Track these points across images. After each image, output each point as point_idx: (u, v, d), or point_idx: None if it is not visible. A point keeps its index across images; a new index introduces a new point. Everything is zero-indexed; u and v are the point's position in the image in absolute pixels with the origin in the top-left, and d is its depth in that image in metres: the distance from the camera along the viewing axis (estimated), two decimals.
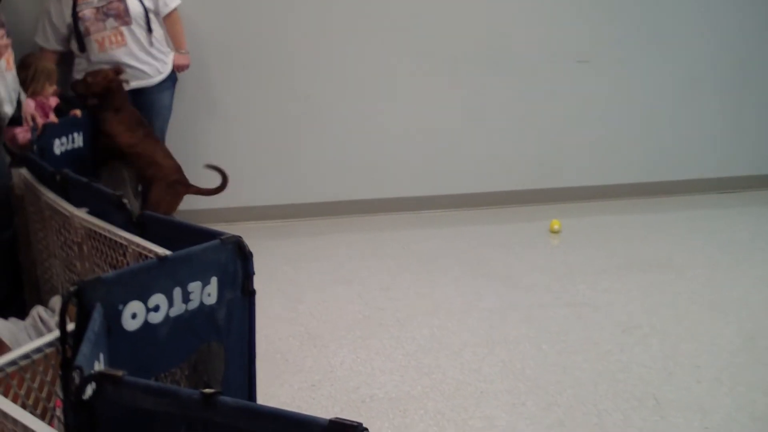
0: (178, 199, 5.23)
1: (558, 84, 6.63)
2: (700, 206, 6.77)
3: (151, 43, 5.41)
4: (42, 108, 4.81)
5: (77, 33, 5.30)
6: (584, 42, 6.61)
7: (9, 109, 4.16)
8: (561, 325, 4.50)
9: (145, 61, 5.41)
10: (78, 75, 5.43)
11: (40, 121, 4.57)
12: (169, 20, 5.58)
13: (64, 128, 4.74)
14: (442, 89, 6.43)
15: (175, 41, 5.64)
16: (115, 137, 5.03)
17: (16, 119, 4.35)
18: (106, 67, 5.20)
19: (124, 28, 5.30)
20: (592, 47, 6.63)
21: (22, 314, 3.55)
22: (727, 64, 6.91)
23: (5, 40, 3.94)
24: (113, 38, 5.30)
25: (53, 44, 5.45)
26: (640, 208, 6.71)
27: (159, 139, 5.31)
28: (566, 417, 3.58)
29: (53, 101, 4.95)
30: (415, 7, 6.25)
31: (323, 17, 6.14)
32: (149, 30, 5.39)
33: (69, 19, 5.28)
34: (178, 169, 5.25)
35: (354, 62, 6.26)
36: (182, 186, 5.24)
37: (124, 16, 5.29)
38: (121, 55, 5.32)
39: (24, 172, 4.14)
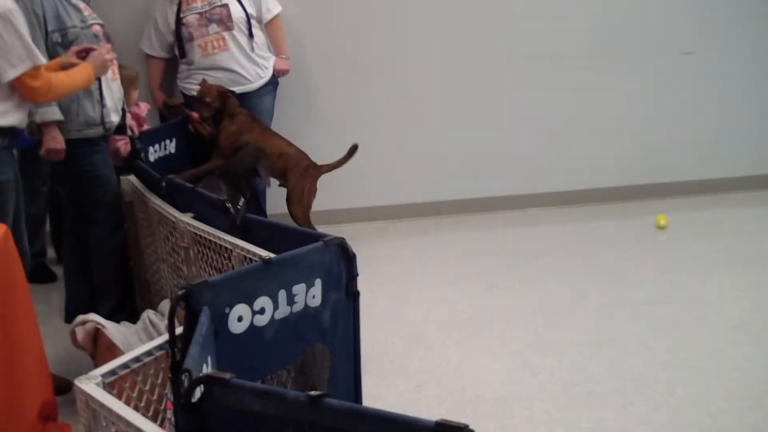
0: (315, 182, 5.31)
1: (662, 77, 6.50)
2: None
3: (252, 48, 5.49)
4: (136, 118, 4.93)
5: (179, 38, 5.42)
6: (688, 33, 6.48)
7: (115, 118, 4.28)
8: (669, 322, 4.41)
9: (246, 66, 5.49)
10: (182, 82, 5.55)
11: (136, 131, 4.69)
12: (270, 26, 5.65)
13: (157, 136, 4.85)
14: (544, 86, 6.36)
15: (275, 46, 5.71)
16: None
17: (122, 128, 4.47)
18: (210, 81, 5.31)
19: (226, 34, 5.40)
20: (696, 39, 6.49)
21: (133, 318, 3.64)
22: None
23: (112, 54, 4.05)
24: (216, 43, 5.39)
25: (158, 51, 5.59)
26: (750, 201, 6.53)
27: (276, 132, 5.38)
28: (677, 417, 3.49)
29: (144, 108, 5.05)
30: (516, 5, 6.20)
31: (423, 16, 6.14)
32: (250, 35, 5.47)
33: (173, 26, 5.40)
34: (305, 155, 5.33)
35: (454, 60, 6.24)
36: (314, 169, 5.32)
37: (226, 22, 5.38)
38: (223, 60, 5.42)
39: (132, 179, 4.25)
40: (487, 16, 6.19)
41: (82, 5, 4.18)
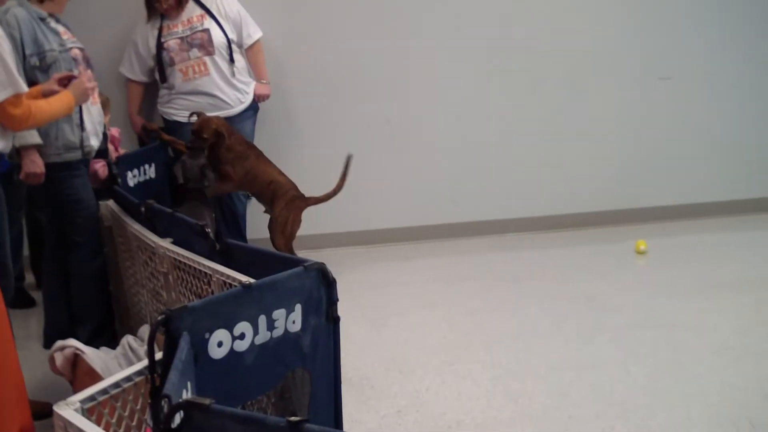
0: (299, 214, 5.35)
1: (640, 102, 6.55)
2: None
3: (233, 74, 5.51)
4: (112, 141, 4.92)
5: (160, 63, 5.43)
6: (666, 59, 6.53)
7: (95, 142, 4.28)
8: (649, 347, 4.42)
9: (227, 91, 5.51)
10: (162, 107, 5.55)
11: (113, 154, 4.68)
12: (251, 51, 5.67)
13: (136, 160, 4.84)
14: (523, 111, 6.41)
15: (256, 71, 5.73)
16: (233, 168, 5.14)
17: (103, 151, 4.46)
18: (190, 106, 5.34)
19: (207, 58, 5.41)
20: (674, 64, 6.55)
21: (113, 343, 3.62)
22: None
23: (93, 82, 4.06)
24: (197, 68, 5.40)
25: (139, 75, 5.59)
26: (729, 226, 6.57)
27: (269, 160, 5.39)
28: None
29: (116, 131, 5.04)
30: (496, 31, 6.25)
31: (402, 42, 6.17)
32: (231, 60, 5.48)
33: (155, 50, 5.41)
34: (294, 186, 5.35)
35: (434, 85, 6.27)
36: (301, 200, 5.35)
37: (207, 47, 5.40)
38: (204, 85, 5.43)
39: (111, 203, 4.24)
40: (466, 43, 6.24)
41: (61, 29, 4.18)
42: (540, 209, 6.59)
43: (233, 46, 5.51)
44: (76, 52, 4.22)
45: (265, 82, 5.75)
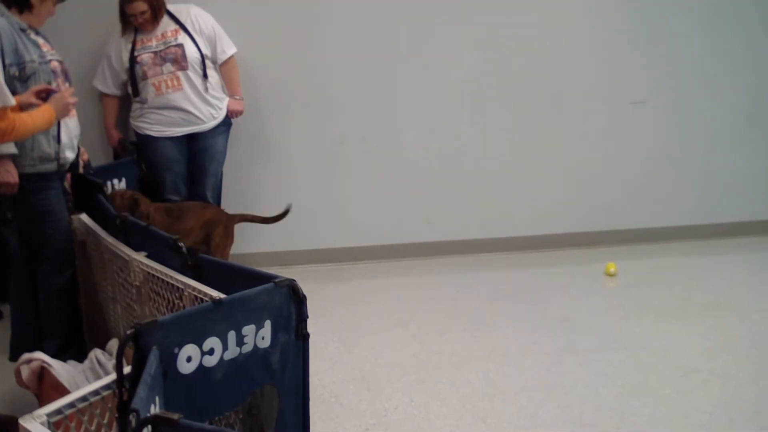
0: (233, 232, 5.19)
1: (612, 126, 6.61)
2: (759, 249, 6.68)
3: (206, 89, 5.50)
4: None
5: (133, 77, 5.42)
6: (638, 83, 6.59)
7: (71, 155, 4.26)
8: (618, 369, 4.44)
9: (200, 106, 5.50)
10: (135, 121, 5.54)
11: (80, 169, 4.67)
12: (225, 67, 5.67)
13: (107, 174, 4.82)
14: (496, 132, 6.44)
15: (230, 87, 5.72)
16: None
17: (76, 165, 4.45)
18: (163, 120, 5.36)
19: (180, 73, 5.41)
20: (646, 89, 6.61)
21: (80, 357, 3.60)
22: None
23: (74, 98, 4.05)
24: (170, 82, 5.40)
25: (112, 89, 5.58)
26: (698, 250, 6.63)
27: (186, 207, 5.19)
28: None
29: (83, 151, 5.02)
30: (472, 54, 6.28)
31: (377, 60, 6.19)
32: (205, 76, 5.48)
33: (128, 63, 5.40)
34: (220, 209, 5.29)
35: (410, 105, 6.29)
36: (230, 220, 5.19)
37: (181, 61, 5.39)
38: (177, 99, 5.42)
39: (84, 217, 4.22)
40: (442, 64, 6.26)
41: (41, 41, 4.17)
42: (512, 230, 6.62)
43: (207, 62, 5.50)
44: (55, 64, 4.21)
45: (238, 98, 5.75)
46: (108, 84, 5.59)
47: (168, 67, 5.39)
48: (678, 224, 6.86)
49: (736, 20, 6.65)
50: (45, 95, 3.92)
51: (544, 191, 6.61)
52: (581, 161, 6.63)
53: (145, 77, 5.40)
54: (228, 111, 5.67)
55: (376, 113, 6.26)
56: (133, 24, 5.39)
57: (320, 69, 6.12)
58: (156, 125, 5.47)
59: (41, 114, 3.79)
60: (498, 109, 6.41)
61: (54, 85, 4.06)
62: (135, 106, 5.55)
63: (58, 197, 4.20)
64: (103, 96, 5.65)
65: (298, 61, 6.08)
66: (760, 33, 6.70)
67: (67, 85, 4.21)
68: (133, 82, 5.46)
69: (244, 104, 5.79)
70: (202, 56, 5.46)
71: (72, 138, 4.27)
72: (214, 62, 5.60)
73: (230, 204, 5.76)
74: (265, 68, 6.03)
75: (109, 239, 3.73)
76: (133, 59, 5.41)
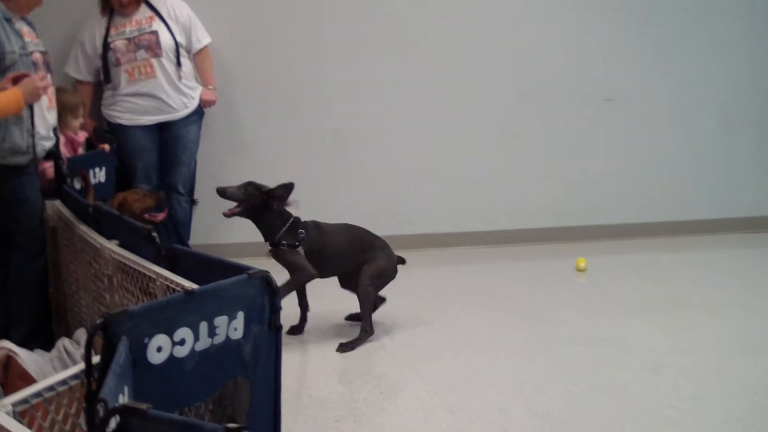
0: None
1: (586, 122, 6.64)
2: (730, 246, 6.75)
3: (179, 77, 5.48)
4: (71, 143, 4.86)
5: (105, 63, 5.38)
6: (611, 80, 6.63)
7: (48, 144, 4.23)
8: (588, 365, 4.46)
9: (172, 94, 5.48)
10: (106, 109, 5.51)
11: (66, 156, 4.61)
12: (199, 56, 5.65)
13: (87, 163, 4.78)
14: (469, 127, 6.46)
15: (203, 77, 5.70)
16: None
17: (54, 153, 4.40)
18: (135, 108, 5.39)
19: (154, 60, 5.38)
20: (618, 86, 6.65)
21: (48, 346, 3.57)
22: (756, 104, 6.93)
23: (46, 82, 4.00)
24: (143, 69, 5.37)
25: (85, 75, 5.54)
26: (669, 247, 6.68)
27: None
28: None
29: (82, 136, 5.00)
30: (445, 47, 6.30)
31: (352, 53, 6.19)
32: (178, 64, 5.45)
33: (101, 50, 5.36)
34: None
35: (380, 98, 6.31)
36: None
37: (155, 48, 5.36)
38: (149, 87, 5.40)
39: (57, 204, 4.18)
40: (416, 59, 6.28)
41: (25, 29, 4.13)
42: (483, 224, 6.64)
43: (181, 50, 5.48)
44: (37, 56, 4.17)
45: (211, 88, 5.74)
46: (81, 70, 5.55)
47: (142, 53, 5.36)
48: (649, 221, 6.91)
49: (711, 20, 6.72)
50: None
51: (517, 187, 6.63)
52: (554, 158, 6.66)
53: (118, 63, 5.36)
54: (201, 101, 5.65)
55: (349, 107, 6.26)
56: (111, 5, 5.34)
57: (294, 61, 6.13)
58: (127, 113, 5.45)
59: (7, 96, 3.75)
60: (473, 104, 6.43)
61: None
62: (107, 93, 5.52)
63: (32, 184, 4.15)
64: (76, 83, 5.61)
65: (271, 52, 6.10)
66: (735, 33, 6.77)
67: (44, 73, 4.16)
68: (105, 68, 5.42)
69: (217, 95, 5.76)
70: (177, 44, 5.44)
71: (49, 129, 4.25)
72: (188, 51, 5.57)
73: (203, 196, 5.74)
74: (238, 59, 6.04)
75: (82, 227, 3.70)
76: (106, 45, 5.37)
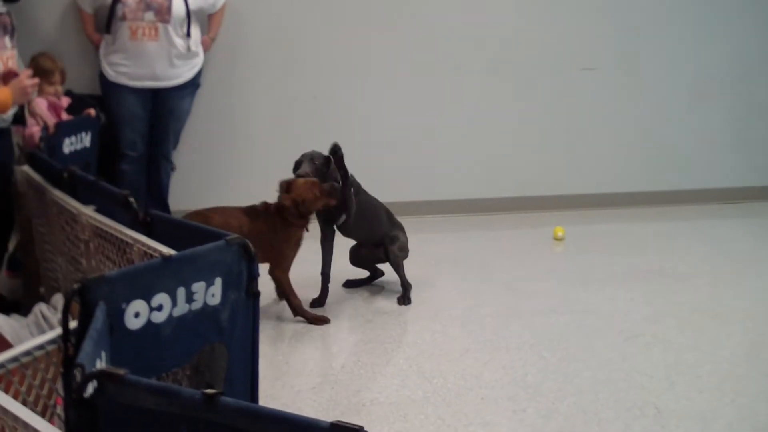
0: None
1: (563, 91, 6.65)
2: (704, 216, 6.79)
3: (185, 47, 5.40)
4: (54, 108, 4.81)
5: (111, 13, 5.28)
6: (589, 50, 6.64)
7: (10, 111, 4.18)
8: (563, 333, 4.50)
9: (172, 62, 5.40)
10: (103, 59, 5.44)
11: (51, 120, 4.54)
12: (214, 13, 5.68)
13: (74, 128, 4.75)
14: (446, 94, 6.45)
15: (209, 26, 5.72)
16: None
17: (19, 118, 4.36)
18: (128, 72, 5.33)
19: (160, 25, 5.28)
20: (597, 55, 6.66)
21: (24, 311, 3.55)
22: (732, 75, 6.95)
23: (33, 80, 3.95)
24: (147, 31, 5.27)
25: (88, 7, 5.50)
26: (644, 217, 6.71)
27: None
28: (567, 425, 3.56)
29: (65, 101, 4.96)
30: (421, 15, 6.29)
31: (331, 19, 6.17)
32: (188, 35, 5.38)
33: (109, 0, 5.27)
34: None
35: (358, 65, 6.31)
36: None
37: (164, 14, 5.27)
38: (148, 50, 5.32)
39: (26, 169, 4.13)
40: (393, 26, 6.30)
41: None
42: (460, 192, 6.65)
43: (192, 16, 5.40)
44: None
45: (211, 36, 5.73)
46: (86, 3, 5.49)
47: (150, 15, 5.26)
48: (625, 190, 6.93)
49: None
50: (6, 78, 3.89)
51: (492, 154, 6.64)
52: (530, 126, 6.67)
53: (123, 18, 5.26)
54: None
55: (328, 72, 6.25)
56: None
57: (273, 25, 6.14)
58: (122, 76, 5.39)
59: None
60: (448, 72, 6.43)
61: None
62: (104, 43, 5.44)
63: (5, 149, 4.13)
64: (81, 11, 5.58)
65: (251, 15, 6.08)
66: (709, 6, 6.76)
67: (24, 69, 4.12)
68: (109, 17, 5.32)
69: (218, 67, 5.80)
70: (188, 14, 5.35)
71: None
72: (207, 13, 5.60)
73: (182, 162, 5.74)
74: (229, 27, 5.99)
75: (56, 193, 3.67)
76: None
